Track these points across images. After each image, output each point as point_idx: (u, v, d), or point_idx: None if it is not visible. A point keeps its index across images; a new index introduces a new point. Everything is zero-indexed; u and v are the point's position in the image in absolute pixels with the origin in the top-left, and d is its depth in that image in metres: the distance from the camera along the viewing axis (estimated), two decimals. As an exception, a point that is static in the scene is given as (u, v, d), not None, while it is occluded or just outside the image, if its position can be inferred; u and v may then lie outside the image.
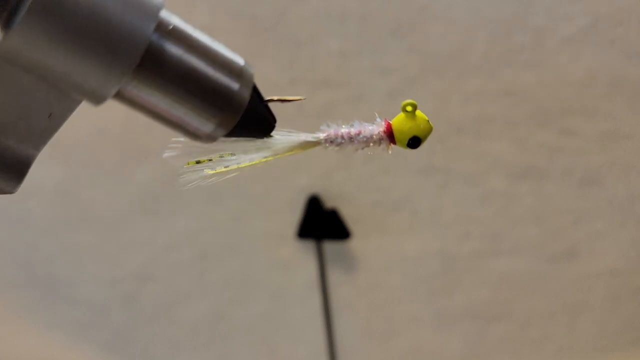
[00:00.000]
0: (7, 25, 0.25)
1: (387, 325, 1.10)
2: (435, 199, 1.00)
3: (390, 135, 0.35)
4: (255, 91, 0.31)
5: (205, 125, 0.30)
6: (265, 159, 0.35)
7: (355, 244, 1.04)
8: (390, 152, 0.36)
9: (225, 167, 0.34)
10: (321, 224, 1.01)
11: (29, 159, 0.30)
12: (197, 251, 1.06)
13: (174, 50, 0.28)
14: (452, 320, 1.08)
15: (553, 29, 0.90)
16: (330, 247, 1.04)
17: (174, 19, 0.28)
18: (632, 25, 0.89)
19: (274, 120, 0.33)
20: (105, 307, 1.11)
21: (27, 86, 0.27)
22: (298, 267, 1.06)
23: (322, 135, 0.35)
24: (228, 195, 1.01)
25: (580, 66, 0.91)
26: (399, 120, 0.35)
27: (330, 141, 0.35)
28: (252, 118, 0.31)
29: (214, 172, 0.34)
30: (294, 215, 1.02)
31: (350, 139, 0.35)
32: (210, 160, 0.34)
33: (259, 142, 0.34)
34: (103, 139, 0.99)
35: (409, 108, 0.34)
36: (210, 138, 0.31)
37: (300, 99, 0.35)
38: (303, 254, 1.05)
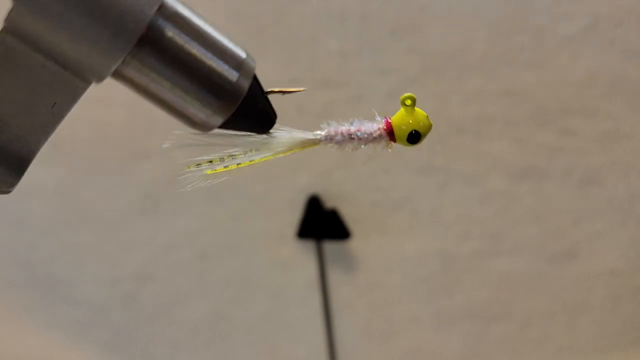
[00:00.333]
0: None
1: (387, 325, 1.10)
2: (435, 199, 1.00)
3: (390, 133, 0.35)
4: (255, 83, 0.32)
5: (202, 112, 0.30)
6: (265, 158, 0.35)
7: (355, 244, 1.04)
8: (390, 149, 0.35)
9: (224, 167, 0.34)
10: (321, 224, 1.01)
11: (29, 155, 0.30)
12: (197, 251, 1.06)
13: (175, 33, 0.28)
14: (452, 320, 1.08)
15: (553, 29, 0.90)
16: (330, 247, 1.04)
17: (179, 6, 0.29)
18: (632, 25, 0.89)
19: (275, 116, 0.33)
20: (105, 307, 1.11)
21: (34, 69, 0.28)
22: (298, 267, 1.06)
23: (322, 133, 0.35)
24: (228, 195, 1.01)
25: (580, 66, 0.91)
26: (398, 116, 0.35)
27: (330, 139, 0.35)
28: (251, 109, 0.31)
29: (213, 171, 0.34)
30: (294, 215, 1.02)
31: (350, 136, 0.35)
32: (210, 162, 0.34)
33: (258, 140, 0.34)
34: (103, 139, 0.99)
35: (408, 102, 0.34)
36: (207, 126, 0.31)
37: (300, 91, 0.35)
38: (303, 254, 1.05)
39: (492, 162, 0.97)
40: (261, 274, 1.08)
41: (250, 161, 0.34)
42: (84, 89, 0.29)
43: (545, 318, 1.07)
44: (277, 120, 0.35)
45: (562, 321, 1.07)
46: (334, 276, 1.06)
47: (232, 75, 0.30)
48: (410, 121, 0.34)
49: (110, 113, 0.96)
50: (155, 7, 0.27)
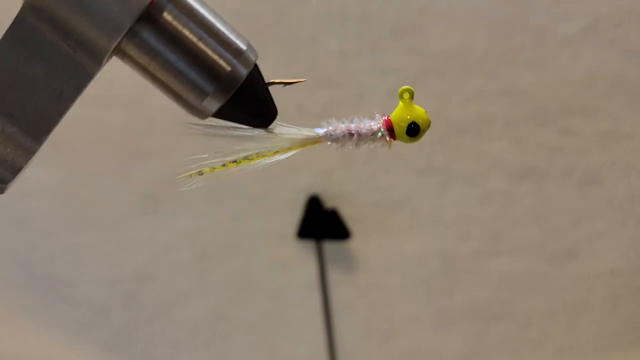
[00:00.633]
0: None
1: (387, 325, 1.10)
2: (435, 199, 1.00)
3: (390, 129, 0.35)
4: (256, 73, 0.32)
5: (199, 95, 0.31)
6: (264, 156, 0.34)
7: (355, 244, 1.04)
8: (390, 147, 0.35)
9: (223, 165, 0.34)
10: (321, 224, 1.01)
11: (30, 150, 0.31)
12: (197, 251, 1.06)
13: (175, 14, 0.30)
14: (452, 320, 1.08)
15: (553, 29, 0.90)
16: (330, 247, 1.04)
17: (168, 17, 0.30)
18: (632, 25, 0.89)
19: (275, 110, 0.34)
20: (105, 307, 1.11)
21: (48, 51, 0.29)
22: (298, 267, 1.06)
23: (322, 130, 0.35)
24: (228, 195, 1.01)
25: (580, 66, 0.91)
26: (396, 111, 0.35)
27: (330, 135, 0.35)
28: (249, 97, 0.32)
29: (211, 170, 0.34)
30: (294, 215, 1.02)
31: (351, 133, 0.35)
32: (213, 169, 0.35)
33: (259, 136, 0.34)
34: (103, 139, 0.99)
35: (406, 95, 0.35)
36: (204, 112, 0.32)
37: (302, 81, 0.36)
38: (303, 254, 1.05)
39: (492, 162, 0.97)
40: (261, 274, 1.08)
41: (250, 158, 0.34)
42: (89, 77, 0.30)
43: (545, 318, 1.07)
44: (277, 120, 0.35)
45: (562, 321, 1.07)
46: (334, 276, 1.06)
47: (229, 61, 0.31)
48: (408, 116, 0.34)
49: (110, 113, 0.96)
50: None
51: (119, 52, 0.31)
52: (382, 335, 1.11)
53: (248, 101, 0.32)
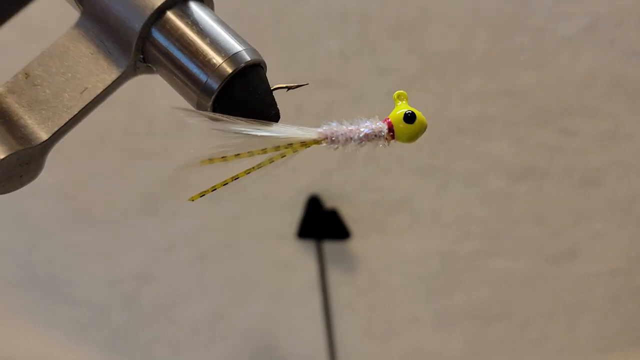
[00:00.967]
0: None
1: (387, 325, 1.10)
2: (435, 199, 1.00)
3: (390, 129, 0.35)
4: (249, 75, 0.34)
5: (193, 91, 0.34)
6: (265, 153, 0.35)
7: (355, 244, 1.04)
8: (389, 144, 0.36)
9: (222, 157, 0.35)
10: (321, 224, 1.01)
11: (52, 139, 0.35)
12: (197, 251, 1.06)
13: (166, 39, 0.34)
14: (452, 320, 1.08)
15: (553, 29, 0.90)
16: (330, 247, 1.04)
17: (173, 20, 0.34)
18: (632, 25, 0.89)
19: (277, 113, 0.35)
20: (105, 307, 1.11)
21: (88, 52, 0.34)
22: (298, 267, 1.06)
23: (321, 130, 0.35)
24: (228, 195, 1.01)
25: (580, 66, 0.91)
26: (393, 112, 0.35)
27: (330, 134, 0.35)
28: (246, 96, 0.34)
29: (209, 161, 0.35)
30: (294, 215, 1.02)
31: (351, 135, 0.35)
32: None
33: (259, 135, 0.34)
34: (103, 139, 0.99)
35: (401, 97, 0.36)
36: (201, 105, 0.35)
37: (304, 85, 0.37)
38: (303, 254, 1.05)
39: (492, 162, 0.97)
40: (261, 274, 1.08)
41: (249, 153, 0.34)
42: (110, 80, 0.34)
43: (545, 318, 1.07)
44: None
45: (562, 321, 1.07)
46: (334, 276, 1.06)
47: (201, 75, 0.34)
48: (404, 108, 0.36)
49: (110, 113, 0.96)
50: (146, 20, 0.33)
51: (141, 52, 0.34)
52: (382, 335, 1.11)
53: (246, 101, 0.34)
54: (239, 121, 0.34)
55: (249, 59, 0.34)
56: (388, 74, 0.93)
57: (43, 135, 0.34)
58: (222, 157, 0.34)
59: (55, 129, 0.34)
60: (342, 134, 0.35)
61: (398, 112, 0.35)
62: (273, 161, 0.35)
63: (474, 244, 1.03)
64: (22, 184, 0.35)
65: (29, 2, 0.38)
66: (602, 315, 1.06)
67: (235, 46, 0.34)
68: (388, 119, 0.35)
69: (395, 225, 1.03)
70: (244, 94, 0.34)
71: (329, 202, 1.01)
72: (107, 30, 0.34)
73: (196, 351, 1.14)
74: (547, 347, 1.09)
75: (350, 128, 0.35)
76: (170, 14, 0.34)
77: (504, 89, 0.93)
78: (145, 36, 0.34)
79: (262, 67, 0.35)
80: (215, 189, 0.35)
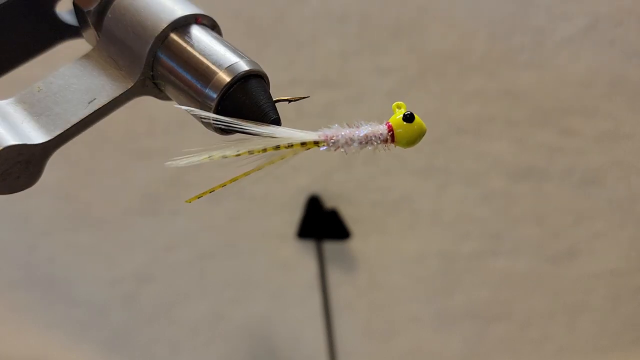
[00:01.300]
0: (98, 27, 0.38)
1: (387, 325, 1.10)
2: (435, 199, 1.00)
3: (390, 133, 0.35)
4: (237, 88, 0.36)
5: (197, 100, 0.37)
6: (265, 152, 0.35)
7: (355, 244, 1.04)
8: (390, 147, 0.36)
9: (223, 155, 0.35)
10: (321, 224, 1.01)
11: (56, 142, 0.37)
12: (197, 251, 1.06)
13: (168, 59, 0.37)
14: (452, 320, 1.08)
15: (553, 29, 0.90)
16: (330, 247, 1.04)
17: (176, 41, 0.37)
18: (632, 25, 0.89)
19: (274, 114, 0.35)
20: (105, 307, 1.11)
21: (103, 68, 0.37)
22: (298, 267, 1.06)
23: (322, 132, 0.35)
24: (228, 195, 1.01)
25: (580, 66, 0.91)
26: (393, 117, 0.36)
27: (331, 137, 0.35)
28: (234, 110, 0.35)
29: (206, 158, 0.35)
30: (294, 215, 1.02)
31: (352, 139, 0.35)
32: (212, 191, 0.36)
33: (259, 136, 0.34)
34: (103, 139, 0.99)
35: (400, 107, 0.36)
36: (205, 107, 0.36)
37: (305, 97, 0.38)
38: (303, 254, 1.05)
39: (492, 162, 0.97)
40: (261, 274, 1.08)
41: (249, 152, 0.34)
42: (118, 92, 0.37)
43: (545, 318, 1.07)
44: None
45: (562, 321, 1.07)
46: (334, 276, 1.06)
47: (200, 90, 0.36)
48: (403, 111, 0.36)
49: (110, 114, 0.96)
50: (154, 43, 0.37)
51: (149, 69, 0.37)
52: (382, 335, 1.11)
53: (246, 109, 0.35)
54: (241, 122, 0.34)
55: (247, 69, 0.36)
56: (388, 74, 0.93)
57: (46, 136, 0.36)
58: (222, 156, 0.34)
59: (59, 132, 0.36)
60: (342, 136, 0.35)
61: (398, 117, 0.35)
62: (273, 163, 0.35)
63: (474, 244, 1.03)
64: (18, 188, 0.36)
65: (53, 45, 0.42)
66: (602, 315, 1.06)
67: (233, 58, 0.36)
68: (388, 122, 0.36)
69: (395, 225, 1.03)
70: (243, 102, 0.35)
71: (329, 202, 1.01)
72: (121, 49, 0.37)
73: (196, 351, 1.14)
74: (547, 347, 1.09)
75: (351, 130, 0.35)
76: (173, 36, 0.37)
77: (504, 89, 0.93)
78: (153, 54, 0.37)
79: (261, 77, 0.37)
80: (213, 191, 0.36)
